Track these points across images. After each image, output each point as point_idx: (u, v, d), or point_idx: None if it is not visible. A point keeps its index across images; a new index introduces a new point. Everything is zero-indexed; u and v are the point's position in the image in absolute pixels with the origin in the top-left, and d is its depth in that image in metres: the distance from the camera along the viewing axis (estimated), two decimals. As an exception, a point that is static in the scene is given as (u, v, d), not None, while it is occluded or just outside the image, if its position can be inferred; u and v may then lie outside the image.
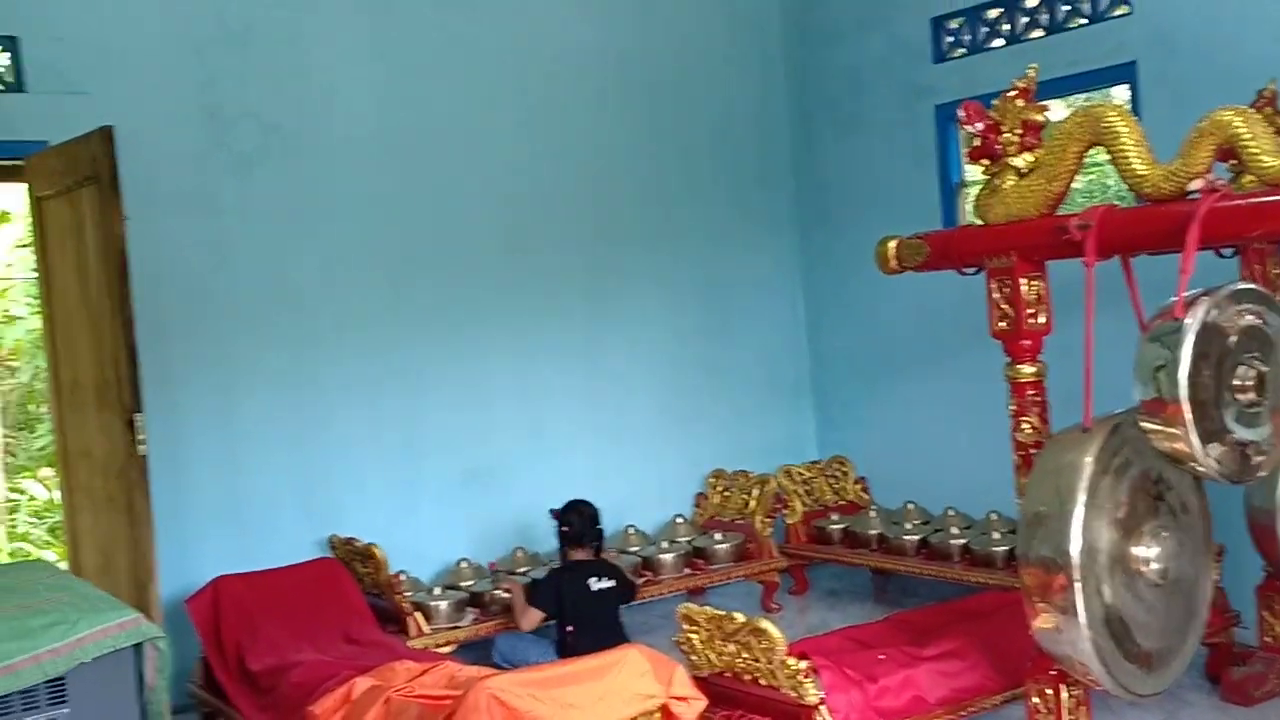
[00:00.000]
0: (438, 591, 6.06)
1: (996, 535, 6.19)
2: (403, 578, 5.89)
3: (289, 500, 6.22)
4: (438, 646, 5.58)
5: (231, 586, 5.40)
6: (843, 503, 7.39)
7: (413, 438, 6.61)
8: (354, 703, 4.07)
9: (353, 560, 5.92)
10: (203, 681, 5.31)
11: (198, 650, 5.36)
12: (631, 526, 6.95)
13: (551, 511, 5.96)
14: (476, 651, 5.80)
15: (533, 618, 5.68)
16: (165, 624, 4.84)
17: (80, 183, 5.29)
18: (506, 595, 5.92)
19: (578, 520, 5.87)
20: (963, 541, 6.32)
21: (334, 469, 6.36)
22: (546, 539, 6.25)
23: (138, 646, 4.13)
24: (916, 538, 6.58)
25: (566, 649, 5.51)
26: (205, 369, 6.04)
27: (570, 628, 5.61)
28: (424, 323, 6.66)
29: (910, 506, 6.99)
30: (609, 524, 6.23)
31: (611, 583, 5.80)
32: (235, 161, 6.16)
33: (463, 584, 6.23)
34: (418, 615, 5.73)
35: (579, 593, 5.68)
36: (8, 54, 5.69)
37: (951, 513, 6.67)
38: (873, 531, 6.84)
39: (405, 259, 6.62)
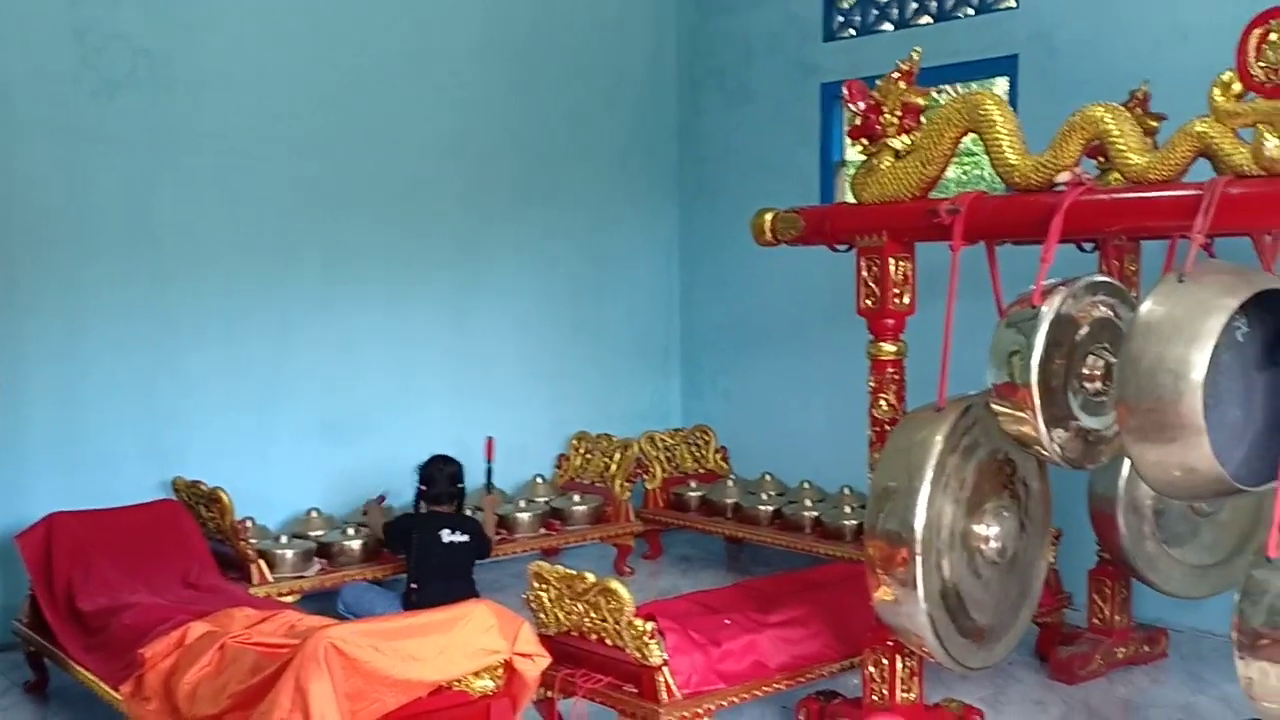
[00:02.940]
0: (284, 540, 5.92)
1: (848, 509, 6.33)
2: (249, 524, 5.72)
3: (132, 439, 5.98)
4: (281, 595, 5.44)
5: (66, 524, 5.16)
6: (703, 471, 7.45)
7: (269, 382, 6.42)
8: (187, 647, 3.93)
9: (197, 504, 5.73)
10: (29, 619, 5.08)
11: (26, 587, 5.13)
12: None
13: (418, 468, 5.86)
14: (322, 603, 5.67)
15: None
16: (-10, 559, 4.63)
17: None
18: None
19: (438, 477, 5.78)
20: (815, 514, 6.46)
21: (183, 409, 6.14)
22: (403, 493, 6.14)
23: (-43, 579, 3.94)
24: (771, 508, 6.69)
25: (410, 604, 5.43)
26: (51, 298, 5.76)
27: (415, 585, 5.53)
28: (288, 265, 6.46)
29: (767, 478, 7.10)
30: (468, 481, 6.14)
31: (465, 537, 5.73)
32: (100, 85, 5.85)
33: (312, 533, 6.08)
34: (261, 563, 5.58)
35: (429, 543, 5.61)
36: None
37: (806, 485, 6.79)
38: (729, 500, 6.92)
39: (272, 199, 6.40)
